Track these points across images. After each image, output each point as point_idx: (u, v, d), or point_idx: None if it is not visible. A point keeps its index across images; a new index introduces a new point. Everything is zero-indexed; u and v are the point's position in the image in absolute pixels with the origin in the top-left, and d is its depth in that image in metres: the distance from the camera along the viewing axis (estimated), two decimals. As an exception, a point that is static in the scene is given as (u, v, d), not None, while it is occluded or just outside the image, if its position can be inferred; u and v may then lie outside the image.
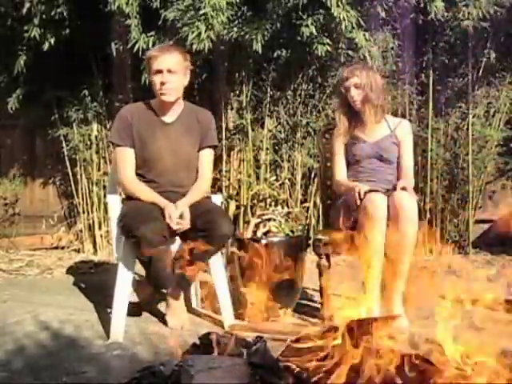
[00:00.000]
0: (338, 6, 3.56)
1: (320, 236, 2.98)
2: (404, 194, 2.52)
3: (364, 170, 2.81)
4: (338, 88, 2.97)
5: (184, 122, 2.70)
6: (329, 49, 3.81)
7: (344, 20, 3.57)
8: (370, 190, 2.55)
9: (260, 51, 3.73)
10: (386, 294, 2.55)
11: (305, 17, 3.73)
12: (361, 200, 2.52)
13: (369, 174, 2.80)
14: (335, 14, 3.56)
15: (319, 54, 3.82)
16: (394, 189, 2.74)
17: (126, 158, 2.64)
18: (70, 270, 3.98)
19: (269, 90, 4.37)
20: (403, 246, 2.46)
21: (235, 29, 3.77)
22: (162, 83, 2.57)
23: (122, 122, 2.67)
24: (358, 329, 1.53)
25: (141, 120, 2.66)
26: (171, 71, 2.57)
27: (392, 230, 2.47)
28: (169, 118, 2.69)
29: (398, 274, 2.50)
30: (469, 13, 3.93)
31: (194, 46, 3.45)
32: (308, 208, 4.51)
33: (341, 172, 2.88)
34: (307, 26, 3.68)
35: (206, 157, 2.75)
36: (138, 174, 2.65)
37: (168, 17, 3.60)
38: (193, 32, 3.41)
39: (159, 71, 2.57)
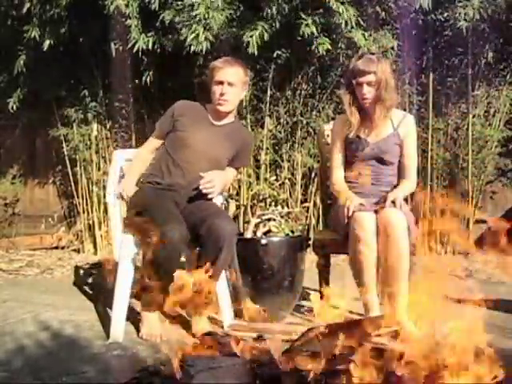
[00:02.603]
0: (337, 0, 3.55)
1: (320, 236, 2.98)
2: (391, 210, 2.47)
3: (364, 171, 2.74)
4: (347, 78, 2.78)
5: (228, 130, 2.82)
6: (329, 47, 3.79)
7: (343, 13, 3.55)
8: (360, 207, 2.51)
9: (256, 53, 3.72)
10: (389, 300, 2.53)
11: (305, 16, 3.72)
12: (349, 218, 2.50)
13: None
14: (334, 8, 3.54)
15: (320, 53, 3.81)
16: (395, 186, 2.72)
17: (150, 141, 2.89)
18: (70, 270, 3.98)
19: (269, 89, 4.37)
20: (396, 263, 2.42)
21: (233, 29, 3.77)
22: (221, 94, 2.71)
23: (169, 111, 2.84)
24: (356, 328, 1.53)
25: (191, 114, 2.80)
26: (231, 84, 2.71)
27: (383, 248, 2.44)
28: (217, 122, 2.82)
29: (397, 288, 2.42)
30: (466, 14, 3.92)
31: (193, 48, 3.44)
32: (308, 208, 4.51)
33: (337, 173, 2.79)
34: (307, 25, 3.67)
35: (231, 171, 2.88)
36: (170, 157, 2.74)
37: (166, 18, 3.61)
38: (191, 33, 3.41)
39: (220, 82, 2.71)
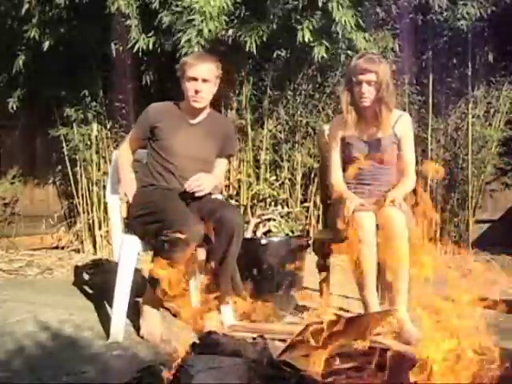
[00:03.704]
0: (338, 9, 3.55)
1: (320, 236, 2.99)
2: (391, 209, 2.47)
3: (362, 172, 2.73)
4: (347, 76, 2.80)
5: (207, 125, 2.81)
6: (324, 55, 3.79)
7: (344, 23, 3.56)
8: (361, 207, 2.52)
9: (255, 51, 3.73)
10: (389, 300, 2.53)
11: (302, 20, 3.72)
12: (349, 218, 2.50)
13: (367, 176, 2.74)
14: (337, 19, 3.55)
15: (316, 59, 3.82)
16: (394, 186, 2.72)
17: (128, 143, 2.86)
18: (70, 270, 3.98)
19: (269, 90, 4.37)
20: (396, 263, 2.40)
21: (232, 29, 3.78)
22: (197, 91, 2.69)
23: (143, 117, 2.83)
24: (355, 326, 1.53)
25: (167, 118, 2.77)
26: (205, 80, 2.69)
27: (383, 248, 2.44)
28: (194, 119, 2.80)
29: (397, 288, 2.45)
30: (467, 12, 3.92)
31: (184, 50, 3.46)
32: (308, 208, 4.51)
33: (336, 173, 2.80)
34: (303, 29, 3.68)
35: (222, 163, 2.89)
36: (160, 165, 2.74)
37: (164, 20, 3.62)
38: (185, 36, 3.42)
39: (194, 79, 2.68)
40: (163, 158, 2.73)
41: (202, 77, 2.67)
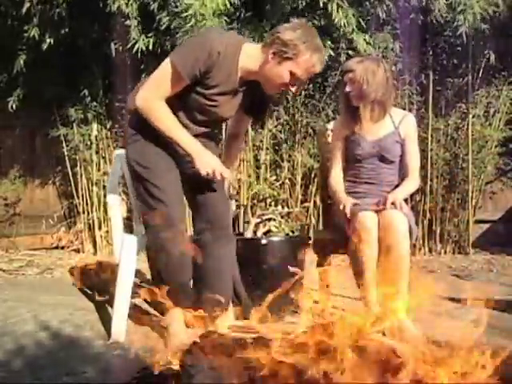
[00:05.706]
0: (338, 11, 3.56)
1: (320, 236, 2.99)
2: (393, 212, 2.45)
3: (365, 170, 2.72)
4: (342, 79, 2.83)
5: (249, 90, 2.25)
6: (331, 53, 3.80)
7: (344, 26, 3.59)
8: (356, 205, 2.52)
9: None
10: (388, 302, 2.53)
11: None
12: (349, 218, 2.50)
13: (369, 175, 2.71)
14: (336, 21, 3.57)
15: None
16: (397, 186, 2.72)
17: (171, 83, 2.08)
18: (70, 270, 3.99)
19: (269, 89, 4.37)
20: (397, 265, 2.40)
21: (233, 30, 3.78)
22: (288, 88, 2.21)
23: (204, 55, 2.06)
24: (355, 326, 1.53)
25: (223, 76, 2.13)
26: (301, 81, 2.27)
27: (384, 248, 2.43)
28: (242, 85, 2.22)
29: (397, 288, 2.45)
30: (465, 19, 3.92)
31: None
32: (308, 208, 4.52)
33: (335, 173, 2.78)
34: None
35: (246, 125, 2.59)
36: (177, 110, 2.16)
37: (163, 21, 3.63)
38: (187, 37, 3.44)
39: (300, 75, 2.17)
40: (192, 109, 2.17)
41: (307, 78, 2.25)
